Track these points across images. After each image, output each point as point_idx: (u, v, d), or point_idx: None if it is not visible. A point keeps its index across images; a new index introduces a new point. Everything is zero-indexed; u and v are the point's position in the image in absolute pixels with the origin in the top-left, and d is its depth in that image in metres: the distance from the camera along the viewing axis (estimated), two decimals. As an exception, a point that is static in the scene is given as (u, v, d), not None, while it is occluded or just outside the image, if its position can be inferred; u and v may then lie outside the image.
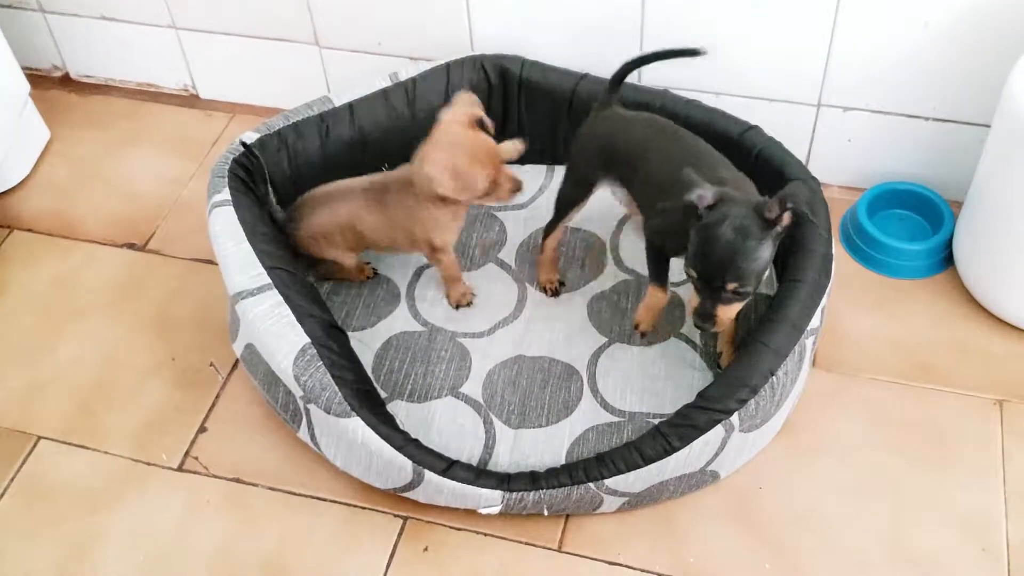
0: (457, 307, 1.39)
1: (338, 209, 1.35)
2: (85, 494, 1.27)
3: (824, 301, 1.21)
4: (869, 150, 1.51)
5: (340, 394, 1.15)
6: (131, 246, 1.57)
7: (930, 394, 1.30)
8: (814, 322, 1.19)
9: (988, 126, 1.31)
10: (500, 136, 1.58)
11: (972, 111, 1.42)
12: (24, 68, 1.69)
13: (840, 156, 1.53)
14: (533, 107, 1.53)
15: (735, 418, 1.13)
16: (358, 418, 1.14)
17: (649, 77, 1.53)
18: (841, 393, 1.31)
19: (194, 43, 1.73)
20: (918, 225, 1.50)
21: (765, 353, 1.13)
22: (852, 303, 1.41)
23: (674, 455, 1.12)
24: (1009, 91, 1.22)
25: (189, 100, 1.81)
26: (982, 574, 1.14)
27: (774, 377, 1.13)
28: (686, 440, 1.11)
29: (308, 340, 1.18)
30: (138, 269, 1.53)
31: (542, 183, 1.56)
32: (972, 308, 1.39)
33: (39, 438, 1.33)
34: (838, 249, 1.48)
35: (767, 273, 1.33)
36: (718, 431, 1.13)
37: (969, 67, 1.37)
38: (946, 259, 1.44)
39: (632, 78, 1.52)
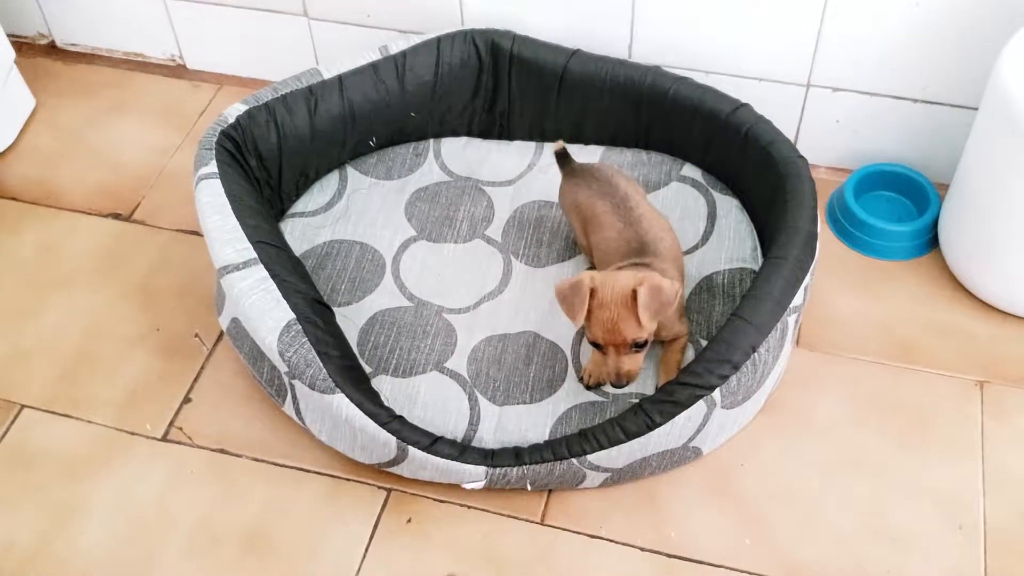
0: None
1: (595, 200, 1.30)
2: (68, 463, 1.27)
3: (808, 279, 1.22)
4: (857, 131, 1.51)
5: (325, 370, 1.15)
6: (116, 216, 1.56)
7: (912, 374, 1.31)
8: (797, 300, 1.19)
9: (976, 109, 1.32)
10: (489, 114, 1.58)
11: (960, 94, 1.42)
12: (9, 35, 1.68)
13: (828, 136, 1.53)
14: (524, 83, 1.52)
15: (717, 394, 1.13)
16: (342, 394, 1.14)
17: (640, 53, 1.53)
18: (824, 372, 1.31)
19: (182, 13, 1.71)
20: (904, 207, 1.50)
21: (747, 329, 1.14)
22: (837, 283, 1.41)
23: (656, 430, 1.13)
24: (997, 74, 1.22)
25: (176, 70, 1.79)
26: (959, 551, 1.15)
27: (756, 353, 1.14)
28: (668, 416, 1.12)
29: (293, 316, 1.18)
30: (123, 239, 1.52)
31: (531, 160, 1.56)
32: (956, 290, 1.40)
33: (22, 407, 1.33)
34: (824, 230, 1.48)
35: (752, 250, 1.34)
36: (700, 407, 1.13)
37: (958, 49, 1.37)
38: (931, 241, 1.45)
39: (623, 54, 1.53)
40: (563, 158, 1.39)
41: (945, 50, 1.38)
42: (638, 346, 1.15)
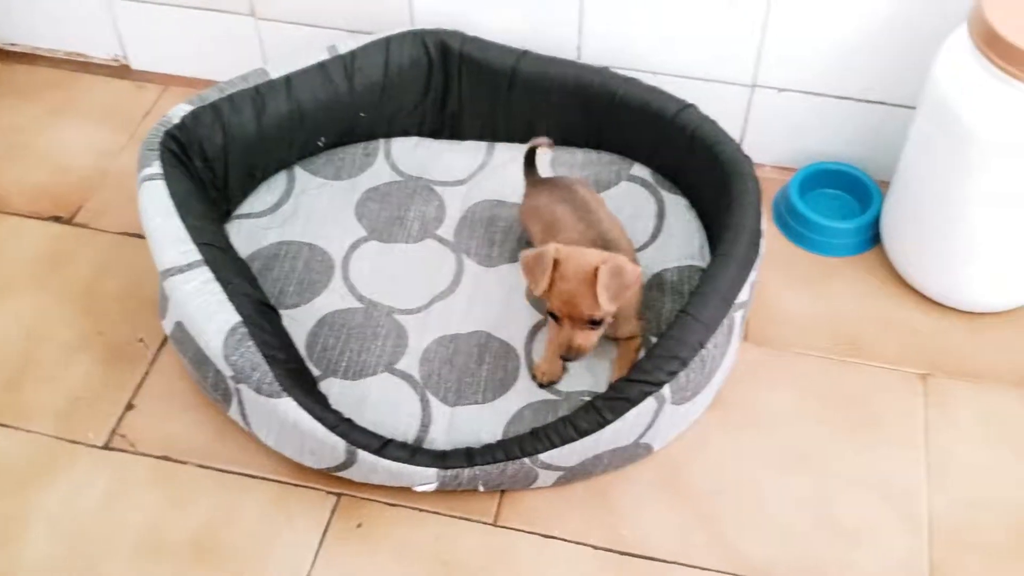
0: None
1: (555, 206, 1.31)
2: (7, 474, 1.23)
3: (753, 275, 1.23)
4: (802, 130, 1.54)
5: (272, 374, 1.13)
6: (57, 219, 1.53)
7: (857, 368, 1.33)
8: (743, 296, 1.21)
9: (915, 108, 1.35)
10: (440, 114, 1.58)
11: (901, 93, 1.45)
12: (-57, 35, 1.63)
13: (773, 136, 1.56)
14: (474, 83, 1.52)
15: (666, 390, 1.14)
16: (289, 398, 1.13)
17: (589, 55, 1.53)
18: (771, 367, 1.33)
19: (125, 12, 1.67)
20: (848, 204, 1.53)
21: (695, 326, 1.15)
22: (783, 280, 1.43)
23: (607, 428, 1.13)
24: (932, 74, 1.25)
25: (120, 71, 1.76)
26: (903, 542, 1.17)
27: (704, 350, 1.15)
28: (618, 412, 1.12)
29: (239, 319, 1.16)
30: (64, 243, 1.49)
31: (482, 160, 1.55)
32: (898, 285, 1.43)
33: (-43, 416, 1.29)
34: (770, 227, 1.50)
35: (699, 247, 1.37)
36: (650, 403, 1.14)
37: (900, 50, 1.40)
38: (874, 237, 1.48)
39: (572, 55, 1.54)
40: (530, 163, 1.40)
41: (886, 51, 1.41)
42: (594, 323, 1.15)
